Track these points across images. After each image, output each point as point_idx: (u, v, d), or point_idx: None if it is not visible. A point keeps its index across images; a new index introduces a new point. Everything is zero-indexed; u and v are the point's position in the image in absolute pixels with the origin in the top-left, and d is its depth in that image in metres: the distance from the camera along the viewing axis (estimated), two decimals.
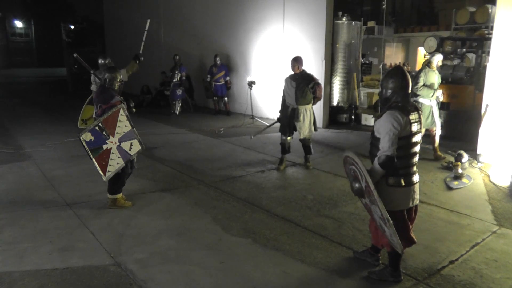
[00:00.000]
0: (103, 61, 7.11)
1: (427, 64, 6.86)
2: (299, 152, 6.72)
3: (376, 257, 3.56)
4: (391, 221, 2.90)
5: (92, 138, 4.42)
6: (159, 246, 3.89)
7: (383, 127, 3.05)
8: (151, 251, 3.78)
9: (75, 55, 5.53)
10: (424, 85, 6.65)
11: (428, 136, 6.99)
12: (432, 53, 7.10)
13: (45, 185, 5.56)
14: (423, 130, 6.76)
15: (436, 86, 6.72)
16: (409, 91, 3.17)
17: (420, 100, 6.69)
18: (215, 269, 3.50)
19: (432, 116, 6.71)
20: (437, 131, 6.79)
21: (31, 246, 3.83)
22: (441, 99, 6.86)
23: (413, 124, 3.09)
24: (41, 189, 5.40)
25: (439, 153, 6.85)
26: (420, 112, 3.22)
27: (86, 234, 4.11)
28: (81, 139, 4.42)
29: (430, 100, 6.67)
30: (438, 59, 6.81)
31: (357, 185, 3.17)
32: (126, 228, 4.25)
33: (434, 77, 6.73)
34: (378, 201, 2.90)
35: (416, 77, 6.76)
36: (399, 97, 3.13)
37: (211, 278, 3.37)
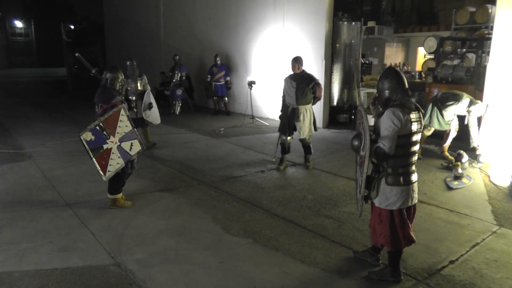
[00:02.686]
0: (129, 63, 7.87)
1: (469, 107, 6.39)
2: (299, 152, 6.72)
3: (376, 257, 3.56)
4: (364, 193, 3.27)
5: (93, 137, 4.43)
6: (159, 246, 3.89)
7: (383, 124, 3.09)
8: (151, 251, 3.78)
9: (76, 54, 5.53)
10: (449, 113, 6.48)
11: (438, 138, 6.95)
12: (474, 103, 6.42)
13: (45, 185, 5.56)
14: (429, 131, 6.77)
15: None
16: (406, 88, 3.20)
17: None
18: (215, 269, 3.50)
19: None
20: (451, 132, 6.68)
21: (31, 246, 3.83)
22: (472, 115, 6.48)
23: (413, 123, 3.12)
24: (41, 189, 5.40)
25: (446, 153, 6.80)
26: (421, 111, 3.23)
27: (86, 234, 4.12)
28: (82, 138, 4.42)
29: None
30: (478, 112, 6.43)
31: (356, 143, 3.35)
32: (126, 228, 4.25)
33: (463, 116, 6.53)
34: (364, 174, 3.17)
35: (448, 103, 6.43)
36: (398, 95, 3.16)
37: (211, 278, 3.37)
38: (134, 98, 7.35)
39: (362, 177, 3.22)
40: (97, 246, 3.87)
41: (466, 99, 6.40)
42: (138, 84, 7.56)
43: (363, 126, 3.20)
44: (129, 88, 7.43)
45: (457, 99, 6.45)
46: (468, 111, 6.40)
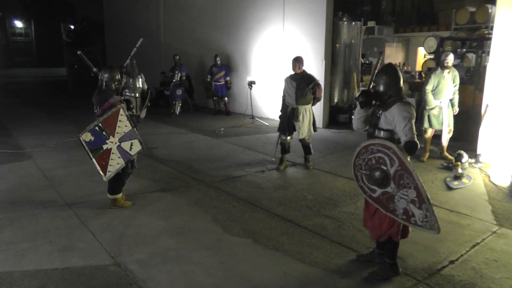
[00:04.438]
0: (129, 61, 8.09)
1: (440, 65, 6.56)
2: (299, 152, 6.72)
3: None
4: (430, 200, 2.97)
5: (92, 138, 4.42)
6: (159, 246, 3.89)
7: (400, 117, 3.19)
8: (151, 251, 3.78)
9: (79, 52, 5.56)
10: (433, 90, 6.44)
11: (437, 138, 6.92)
12: (444, 53, 6.68)
13: (45, 185, 5.56)
14: (433, 131, 6.73)
15: (449, 87, 6.44)
16: (401, 85, 3.36)
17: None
18: (215, 269, 3.50)
19: (442, 118, 6.51)
20: (443, 133, 6.60)
21: (31, 246, 3.83)
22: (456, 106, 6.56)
23: None
24: (41, 189, 5.40)
25: (445, 153, 6.76)
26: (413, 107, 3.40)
27: (86, 234, 4.11)
28: (81, 139, 4.42)
29: (440, 101, 6.45)
30: (449, 58, 6.45)
31: (377, 173, 3.14)
32: (126, 228, 4.25)
33: (446, 79, 6.42)
34: (417, 180, 2.96)
35: (426, 81, 6.57)
36: (393, 91, 3.31)
37: (211, 278, 3.37)
38: (133, 94, 7.44)
39: (418, 184, 2.99)
40: (97, 246, 3.87)
41: (435, 68, 6.55)
42: (137, 82, 7.67)
43: (393, 155, 3.06)
44: (130, 86, 7.52)
45: (427, 75, 6.67)
46: (445, 62, 6.43)
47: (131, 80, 7.69)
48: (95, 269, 3.46)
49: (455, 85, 6.55)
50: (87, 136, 4.42)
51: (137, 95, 7.50)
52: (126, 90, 7.49)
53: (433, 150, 7.26)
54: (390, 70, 3.37)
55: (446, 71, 6.46)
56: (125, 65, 7.97)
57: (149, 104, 7.62)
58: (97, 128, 4.42)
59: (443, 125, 6.58)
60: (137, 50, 7.48)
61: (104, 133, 4.43)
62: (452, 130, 6.71)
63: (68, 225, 4.32)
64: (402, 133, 3.19)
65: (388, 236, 3.35)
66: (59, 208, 4.76)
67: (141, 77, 7.93)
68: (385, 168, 3.11)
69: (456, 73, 6.59)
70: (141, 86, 7.68)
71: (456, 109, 6.67)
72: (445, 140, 6.73)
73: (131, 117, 6.90)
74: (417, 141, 3.16)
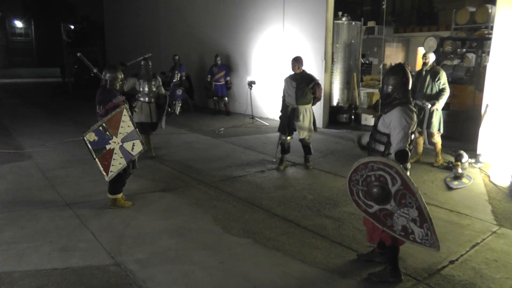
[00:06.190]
0: (143, 63, 7.36)
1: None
2: (299, 152, 6.72)
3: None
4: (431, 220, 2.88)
5: (96, 138, 4.43)
6: (159, 246, 3.89)
7: (397, 123, 3.14)
8: (151, 251, 3.78)
9: (78, 54, 5.56)
10: (414, 89, 6.25)
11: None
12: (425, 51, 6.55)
13: (45, 185, 5.56)
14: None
15: (429, 86, 6.23)
16: (409, 88, 3.28)
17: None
18: (215, 269, 3.50)
19: (423, 118, 6.20)
20: (424, 135, 6.35)
21: (31, 246, 3.83)
22: (434, 108, 6.14)
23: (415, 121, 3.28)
24: (41, 189, 5.40)
25: (439, 158, 6.45)
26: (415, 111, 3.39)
27: (86, 234, 4.11)
28: (85, 139, 4.43)
29: (422, 102, 6.21)
30: (428, 56, 6.37)
31: (376, 190, 3.02)
32: (126, 228, 4.25)
33: (423, 78, 6.27)
34: (421, 201, 2.87)
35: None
36: (400, 93, 3.24)
37: (211, 278, 3.37)
38: (146, 100, 7.11)
39: (421, 205, 2.92)
40: (97, 246, 3.87)
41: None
42: (152, 86, 7.16)
43: (395, 174, 2.95)
44: (141, 90, 7.11)
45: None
46: (423, 59, 6.41)
47: (145, 84, 7.11)
48: (95, 269, 3.46)
49: (439, 84, 6.21)
50: (91, 136, 4.42)
51: (152, 100, 7.09)
52: (139, 95, 7.10)
53: (430, 148, 7.24)
54: (398, 71, 3.29)
55: (425, 69, 6.33)
56: (142, 64, 7.18)
57: (169, 110, 7.19)
58: (101, 128, 4.42)
59: (423, 127, 6.27)
60: (136, 49, 7.35)
61: (107, 133, 4.44)
62: (439, 133, 6.33)
63: (68, 225, 4.32)
64: (394, 139, 3.13)
65: (380, 239, 3.31)
66: (59, 208, 4.76)
67: (155, 81, 7.34)
68: (385, 186, 2.99)
69: (439, 71, 6.26)
70: (155, 90, 7.21)
71: (435, 107, 6.17)
72: (433, 139, 6.36)
73: (143, 124, 6.82)
74: (408, 150, 3.12)
